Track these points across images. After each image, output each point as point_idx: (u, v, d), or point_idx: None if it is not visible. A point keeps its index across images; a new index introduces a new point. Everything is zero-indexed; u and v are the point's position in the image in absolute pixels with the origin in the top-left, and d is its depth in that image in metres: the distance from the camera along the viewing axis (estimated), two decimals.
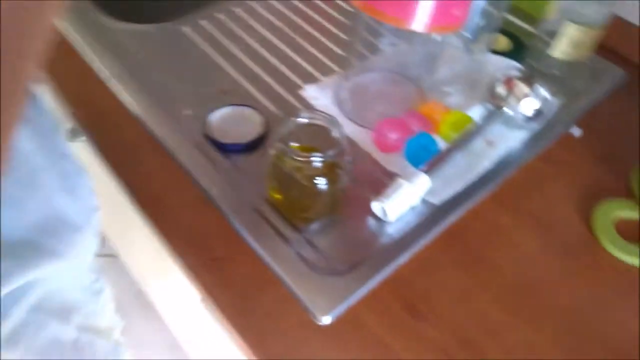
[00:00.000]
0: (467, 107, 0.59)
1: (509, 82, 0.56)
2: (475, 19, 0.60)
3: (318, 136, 0.48)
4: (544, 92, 0.55)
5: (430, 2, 0.45)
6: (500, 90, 0.56)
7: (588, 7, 0.58)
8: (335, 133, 0.47)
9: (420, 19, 0.46)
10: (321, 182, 0.46)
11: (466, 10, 0.49)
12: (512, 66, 0.63)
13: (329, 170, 0.47)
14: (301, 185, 0.47)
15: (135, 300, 1.26)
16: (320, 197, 0.48)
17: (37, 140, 0.40)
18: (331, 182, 0.47)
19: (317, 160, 0.45)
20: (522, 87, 0.55)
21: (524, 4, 0.74)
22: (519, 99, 0.55)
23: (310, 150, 0.48)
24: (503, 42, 0.68)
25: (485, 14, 0.59)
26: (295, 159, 0.45)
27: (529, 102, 0.55)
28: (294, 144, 0.48)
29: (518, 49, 0.67)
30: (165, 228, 0.50)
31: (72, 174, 0.45)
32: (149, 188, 0.53)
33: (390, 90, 0.64)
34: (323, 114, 0.47)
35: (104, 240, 1.37)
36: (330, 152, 0.45)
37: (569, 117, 0.61)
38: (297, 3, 0.77)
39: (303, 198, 0.49)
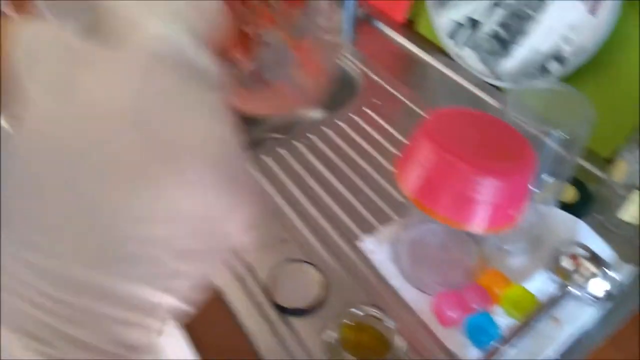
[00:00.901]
0: (529, 274, 0.57)
1: (574, 259, 0.54)
2: (542, 172, 0.58)
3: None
4: (613, 273, 0.53)
5: (487, 209, 0.45)
6: (566, 264, 0.54)
7: None
8: (387, 324, 0.48)
9: (475, 223, 0.45)
10: None
11: (523, 208, 0.48)
12: (577, 242, 0.58)
13: None
14: None
15: None
16: None
17: None
18: None
19: None
20: (589, 267, 0.53)
21: (592, 142, 0.70)
22: (586, 278, 0.53)
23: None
24: (569, 192, 0.66)
25: (555, 159, 0.55)
26: None
27: (598, 283, 0.53)
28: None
29: (585, 200, 0.65)
30: None
31: None
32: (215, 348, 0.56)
33: (449, 247, 0.63)
34: (375, 311, 0.48)
35: None
36: None
37: None
38: (358, 139, 0.78)
39: None
